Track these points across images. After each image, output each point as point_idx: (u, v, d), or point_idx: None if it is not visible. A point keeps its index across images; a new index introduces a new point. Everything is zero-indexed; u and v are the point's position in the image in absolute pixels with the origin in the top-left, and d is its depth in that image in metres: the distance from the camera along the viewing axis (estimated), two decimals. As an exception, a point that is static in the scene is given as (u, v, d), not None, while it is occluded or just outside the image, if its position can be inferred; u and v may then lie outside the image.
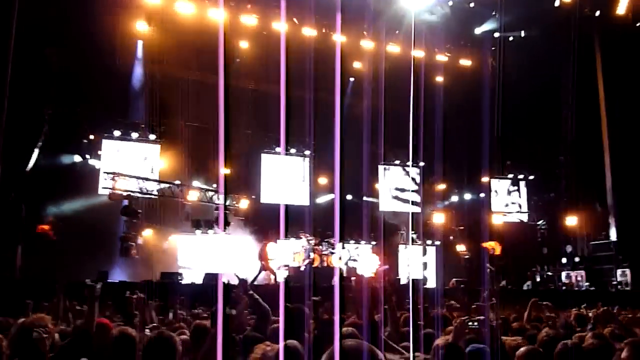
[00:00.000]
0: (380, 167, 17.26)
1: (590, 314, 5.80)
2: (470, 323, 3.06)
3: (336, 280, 9.89)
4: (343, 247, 14.06)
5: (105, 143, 13.95)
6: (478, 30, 17.09)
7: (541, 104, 17.06)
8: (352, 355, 1.63)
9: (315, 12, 15.25)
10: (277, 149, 15.86)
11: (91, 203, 12.93)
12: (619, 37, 16.00)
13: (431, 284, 14.82)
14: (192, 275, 12.70)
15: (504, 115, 16.01)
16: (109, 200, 12.40)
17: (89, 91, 12.81)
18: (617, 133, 16.30)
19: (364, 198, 15.36)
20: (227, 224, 13.45)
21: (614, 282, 15.20)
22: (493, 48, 17.15)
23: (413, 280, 12.25)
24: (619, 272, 15.28)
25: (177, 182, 13.56)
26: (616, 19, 16.16)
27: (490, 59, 17.11)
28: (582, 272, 15.68)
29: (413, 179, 17.22)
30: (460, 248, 16.52)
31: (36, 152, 12.46)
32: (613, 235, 16.32)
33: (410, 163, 16.83)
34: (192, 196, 13.38)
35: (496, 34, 16.94)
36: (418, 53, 16.24)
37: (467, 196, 17.83)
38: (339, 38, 14.88)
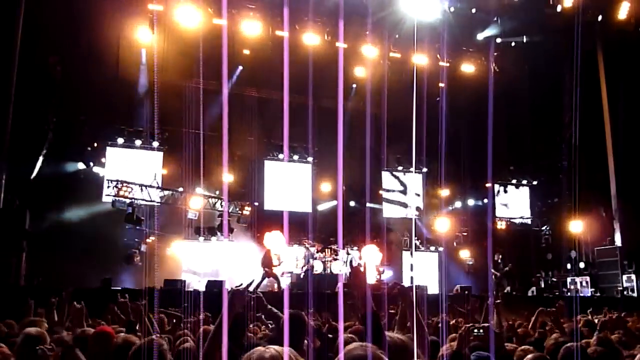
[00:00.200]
0: (384, 173, 17.25)
1: (596, 320, 5.76)
2: (475, 330, 3.04)
3: (340, 287, 9.84)
4: (348, 254, 14.03)
5: (109, 151, 14.04)
6: (480, 36, 17.10)
7: (544, 109, 17.04)
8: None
9: (318, 19, 15.32)
10: (280, 156, 15.88)
11: (95, 210, 12.97)
12: (621, 42, 16.02)
13: (433, 289, 14.74)
14: (195, 282, 12.71)
15: (507, 120, 16.04)
16: (112, 208, 12.43)
17: (92, 99, 12.89)
18: (621, 137, 16.25)
19: (367, 204, 15.33)
20: (230, 230, 13.46)
21: (620, 288, 15.09)
22: (495, 53, 17.18)
23: (416, 286, 12.20)
24: (624, 277, 15.18)
25: (181, 189, 13.58)
26: (618, 23, 16.18)
27: (492, 65, 17.12)
28: (587, 278, 15.58)
29: (416, 185, 17.19)
30: (464, 254, 16.45)
31: (40, 159, 12.52)
32: (618, 240, 16.21)
33: (413, 169, 16.82)
34: (196, 203, 13.40)
35: (498, 40, 16.95)
36: (420, 59, 16.26)
37: (471, 202, 17.76)
38: (341, 45, 14.93)
